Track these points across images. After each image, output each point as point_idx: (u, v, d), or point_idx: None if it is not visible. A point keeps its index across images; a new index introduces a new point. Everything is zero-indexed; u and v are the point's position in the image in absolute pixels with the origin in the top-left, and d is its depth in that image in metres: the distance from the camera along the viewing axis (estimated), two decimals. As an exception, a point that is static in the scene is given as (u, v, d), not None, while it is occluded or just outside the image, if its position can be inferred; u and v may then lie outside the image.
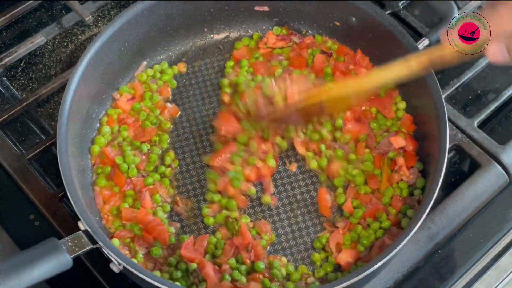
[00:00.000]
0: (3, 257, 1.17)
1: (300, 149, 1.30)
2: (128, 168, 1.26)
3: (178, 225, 1.24)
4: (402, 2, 1.49)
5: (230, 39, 1.45)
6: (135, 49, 1.36)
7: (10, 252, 1.21)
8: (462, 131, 1.32)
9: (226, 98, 1.36)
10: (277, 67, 1.38)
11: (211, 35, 1.45)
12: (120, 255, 1.08)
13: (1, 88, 1.44)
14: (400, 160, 1.25)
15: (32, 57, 1.49)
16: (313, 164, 1.29)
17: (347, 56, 1.38)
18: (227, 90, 1.37)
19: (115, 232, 1.20)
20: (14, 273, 1.00)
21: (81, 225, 1.09)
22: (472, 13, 1.01)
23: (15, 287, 0.99)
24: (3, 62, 1.43)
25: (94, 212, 1.21)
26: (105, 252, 1.10)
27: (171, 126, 1.35)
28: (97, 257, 1.17)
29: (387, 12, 1.44)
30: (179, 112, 1.36)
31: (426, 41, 1.34)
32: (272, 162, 1.28)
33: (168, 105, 1.36)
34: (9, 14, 1.48)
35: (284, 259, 1.20)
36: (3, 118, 1.35)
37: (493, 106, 1.36)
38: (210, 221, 1.24)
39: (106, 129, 1.30)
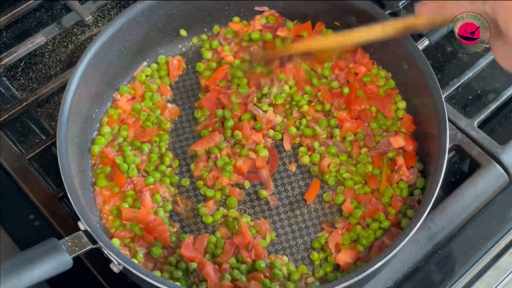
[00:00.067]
0: (3, 257, 1.17)
1: (287, 146, 1.31)
2: (128, 168, 1.26)
3: (178, 225, 1.24)
4: (402, 2, 1.49)
5: (230, 39, 1.45)
6: (135, 49, 1.36)
7: (10, 252, 1.21)
8: (462, 131, 1.32)
9: (203, 82, 1.38)
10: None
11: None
12: (120, 255, 1.08)
13: (1, 88, 1.44)
14: (400, 160, 1.25)
15: (32, 57, 1.49)
16: (305, 159, 1.29)
17: (347, 54, 1.38)
18: (207, 73, 1.38)
19: (115, 232, 1.20)
20: (14, 273, 1.00)
21: (81, 225, 1.09)
22: (472, 13, 1.01)
23: (15, 287, 1.00)
24: (3, 62, 1.43)
25: (94, 212, 1.21)
26: (105, 252, 1.10)
27: (171, 126, 1.35)
28: (97, 257, 1.17)
29: (387, 12, 1.44)
30: (179, 112, 1.37)
31: (426, 41, 1.34)
32: (264, 153, 1.28)
33: (169, 105, 1.36)
34: (9, 14, 1.48)
35: (285, 258, 1.20)
36: (3, 118, 1.35)
37: (493, 106, 1.36)
38: (209, 220, 1.24)
39: (107, 129, 1.30)
